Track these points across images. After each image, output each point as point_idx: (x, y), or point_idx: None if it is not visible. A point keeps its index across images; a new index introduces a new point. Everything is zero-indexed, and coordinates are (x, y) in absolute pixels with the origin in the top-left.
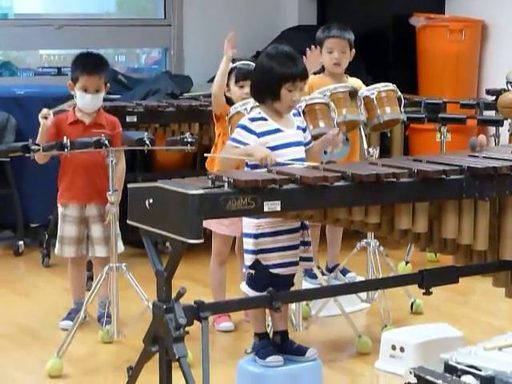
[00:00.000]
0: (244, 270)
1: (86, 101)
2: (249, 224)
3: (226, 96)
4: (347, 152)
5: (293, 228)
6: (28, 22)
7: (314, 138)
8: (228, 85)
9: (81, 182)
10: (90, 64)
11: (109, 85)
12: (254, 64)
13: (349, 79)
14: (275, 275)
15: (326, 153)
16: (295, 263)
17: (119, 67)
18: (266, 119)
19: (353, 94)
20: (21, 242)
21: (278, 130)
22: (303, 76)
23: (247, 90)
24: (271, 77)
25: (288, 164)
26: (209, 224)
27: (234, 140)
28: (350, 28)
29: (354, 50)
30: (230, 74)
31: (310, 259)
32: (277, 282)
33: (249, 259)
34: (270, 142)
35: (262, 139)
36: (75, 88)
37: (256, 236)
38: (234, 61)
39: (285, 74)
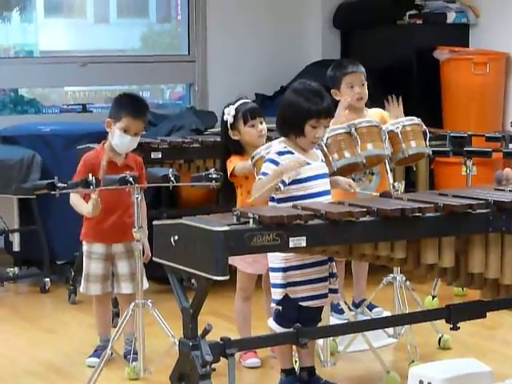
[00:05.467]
0: (272, 304)
1: (125, 142)
2: (276, 258)
3: (235, 140)
4: (376, 185)
5: (321, 260)
6: (53, 59)
7: (341, 169)
8: (236, 128)
9: (108, 221)
10: (136, 107)
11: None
12: (249, 100)
13: (368, 111)
14: (303, 309)
15: None
16: (325, 295)
17: None
18: (292, 153)
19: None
20: (47, 279)
21: (306, 163)
22: (328, 113)
23: (260, 127)
24: (297, 112)
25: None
26: (233, 261)
27: (263, 174)
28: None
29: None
30: (235, 117)
31: (336, 291)
32: (304, 316)
33: (278, 293)
34: (299, 175)
35: None
36: (114, 127)
37: (284, 269)
38: (228, 105)
39: (310, 110)
